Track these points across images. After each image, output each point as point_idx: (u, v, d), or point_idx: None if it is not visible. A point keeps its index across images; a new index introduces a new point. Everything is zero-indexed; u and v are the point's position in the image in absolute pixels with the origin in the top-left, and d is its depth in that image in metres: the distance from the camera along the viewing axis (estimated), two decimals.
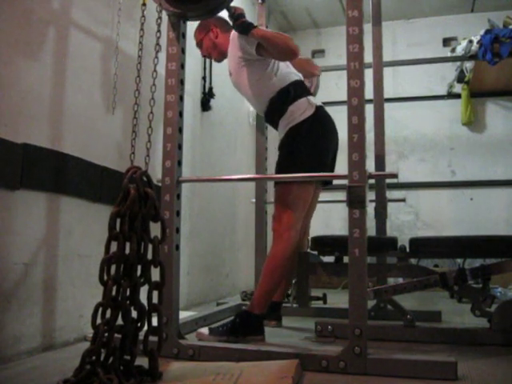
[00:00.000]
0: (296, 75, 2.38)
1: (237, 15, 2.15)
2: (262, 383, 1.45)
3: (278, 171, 2.29)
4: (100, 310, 1.42)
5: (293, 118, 2.26)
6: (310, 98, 2.34)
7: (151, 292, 1.49)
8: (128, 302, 1.44)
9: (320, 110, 2.31)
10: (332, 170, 2.41)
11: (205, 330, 2.16)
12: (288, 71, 2.35)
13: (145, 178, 1.53)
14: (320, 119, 2.29)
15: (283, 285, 2.53)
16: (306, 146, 2.22)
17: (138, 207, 1.46)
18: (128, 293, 1.43)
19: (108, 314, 1.41)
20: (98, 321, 1.42)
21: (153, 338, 1.51)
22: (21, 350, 1.84)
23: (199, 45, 2.51)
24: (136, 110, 1.74)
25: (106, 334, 1.40)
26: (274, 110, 2.34)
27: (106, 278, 1.42)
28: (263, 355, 1.74)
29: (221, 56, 2.48)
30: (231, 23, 2.20)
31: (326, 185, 2.58)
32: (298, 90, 2.31)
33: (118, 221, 1.47)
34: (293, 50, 2.14)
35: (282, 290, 2.58)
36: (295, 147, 2.24)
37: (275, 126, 2.40)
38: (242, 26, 2.14)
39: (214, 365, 1.63)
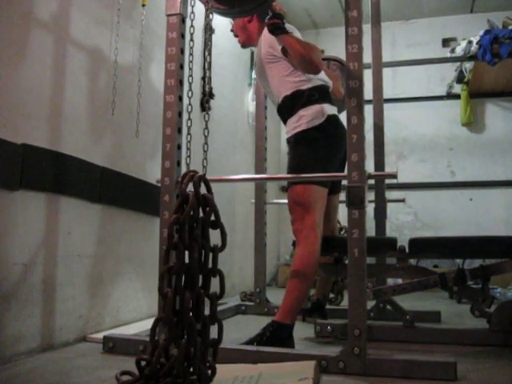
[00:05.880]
0: (321, 80, 2.31)
1: (273, 14, 2.10)
2: None
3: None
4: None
5: (300, 123, 2.21)
6: (326, 105, 2.25)
7: (215, 304, 1.36)
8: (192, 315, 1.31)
9: (331, 119, 2.23)
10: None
11: None
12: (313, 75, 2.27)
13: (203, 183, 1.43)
14: (327, 129, 2.21)
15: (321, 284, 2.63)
16: (310, 154, 2.18)
17: (198, 214, 1.36)
18: (191, 305, 1.30)
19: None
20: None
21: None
22: (20, 350, 1.84)
23: (234, 22, 2.47)
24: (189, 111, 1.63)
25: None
26: (285, 107, 2.29)
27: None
28: (262, 356, 1.74)
29: (247, 42, 2.44)
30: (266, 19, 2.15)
31: (337, 191, 2.53)
32: (314, 95, 2.23)
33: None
34: (315, 66, 2.08)
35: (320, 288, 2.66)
36: (302, 154, 2.20)
37: (284, 123, 2.36)
38: (273, 26, 2.10)
39: (231, 367, 1.61)
